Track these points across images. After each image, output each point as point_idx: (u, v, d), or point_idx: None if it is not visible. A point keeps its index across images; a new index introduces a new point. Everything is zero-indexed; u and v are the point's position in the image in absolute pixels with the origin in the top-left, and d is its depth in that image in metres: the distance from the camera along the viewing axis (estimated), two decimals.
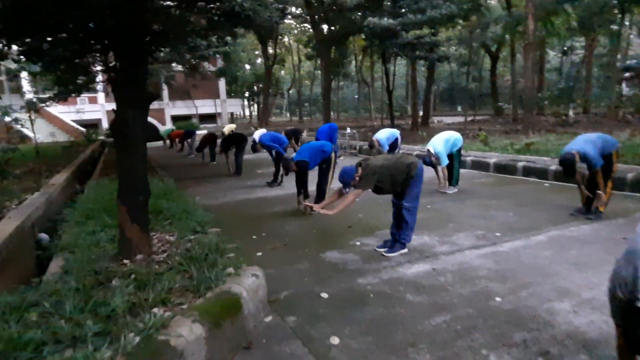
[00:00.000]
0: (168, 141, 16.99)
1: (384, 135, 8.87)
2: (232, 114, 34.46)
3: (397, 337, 2.49)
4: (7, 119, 10.75)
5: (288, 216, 5.52)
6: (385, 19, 13.60)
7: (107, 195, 5.06)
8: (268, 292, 2.94)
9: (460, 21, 18.26)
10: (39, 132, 13.76)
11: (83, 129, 20.79)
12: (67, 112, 22.58)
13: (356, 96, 44.54)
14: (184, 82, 24.12)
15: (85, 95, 22.05)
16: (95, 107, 26.18)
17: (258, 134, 9.44)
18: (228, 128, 14.71)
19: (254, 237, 4.61)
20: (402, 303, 2.91)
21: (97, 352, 1.81)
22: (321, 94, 27.10)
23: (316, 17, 20.31)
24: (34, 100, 12.78)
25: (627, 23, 19.46)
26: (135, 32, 3.07)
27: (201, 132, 15.67)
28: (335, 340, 2.47)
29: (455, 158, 6.53)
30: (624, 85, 22.67)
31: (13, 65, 9.80)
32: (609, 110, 16.54)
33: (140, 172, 3.12)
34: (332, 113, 24.56)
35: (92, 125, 23.33)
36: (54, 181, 6.72)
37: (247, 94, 42.82)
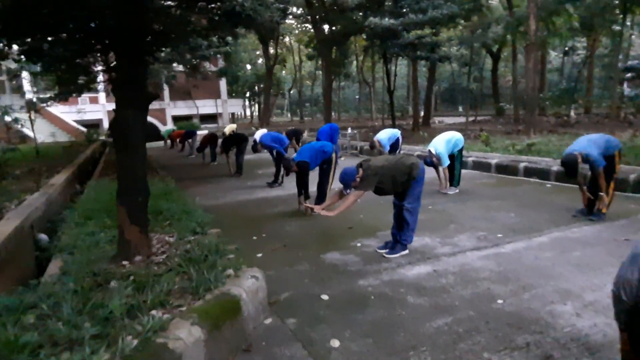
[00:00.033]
0: (169, 141, 17.01)
1: (385, 135, 8.84)
2: (233, 114, 34.41)
3: (398, 339, 2.47)
4: (7, 118, 10.76)
5: (288, 217, 5.50)
6: (387, 19, 13.58)
7: (107, 196, 5.05)
8: (268, 293, 2.92)
9: (462, 21, 18.23)
10: (40, 132, 13.77)
11: (84, 129, 20.79)
12: (68, 112, 22.57)
13: (357, 96, 44.49)
14: (185, 82, 24.15)
15: (86, 95, 22.04)
16: (97, 107, 26.15)
17: (259, 134, 9.44)
18: (229, 128, 14.73)
19: (254, 238, 4.60)
20: (403, 305, 2.89)
21: (94, 355, 1.79)
22: (322, 94, 27.07)
23: (317, 17, 20.29)
24: (35, 100, 12.79)
25: (628, 23, 19.41)
26: (135, 32, 3.07)
27: (202, 132, 15.67)
28: (335, 342, 2.45)
29: (456, 159, 6.52)
30: (625, 85, 22.66)
31: (13, 65, 9.81)
32: (611, 110, 16.50)
33: (140, 173, 3.11)
34: (333, 113, 24.51)
35: (93, 125, 23.31)
36: (53, 181, 6.71)
37: (248, 94, 42.83)
